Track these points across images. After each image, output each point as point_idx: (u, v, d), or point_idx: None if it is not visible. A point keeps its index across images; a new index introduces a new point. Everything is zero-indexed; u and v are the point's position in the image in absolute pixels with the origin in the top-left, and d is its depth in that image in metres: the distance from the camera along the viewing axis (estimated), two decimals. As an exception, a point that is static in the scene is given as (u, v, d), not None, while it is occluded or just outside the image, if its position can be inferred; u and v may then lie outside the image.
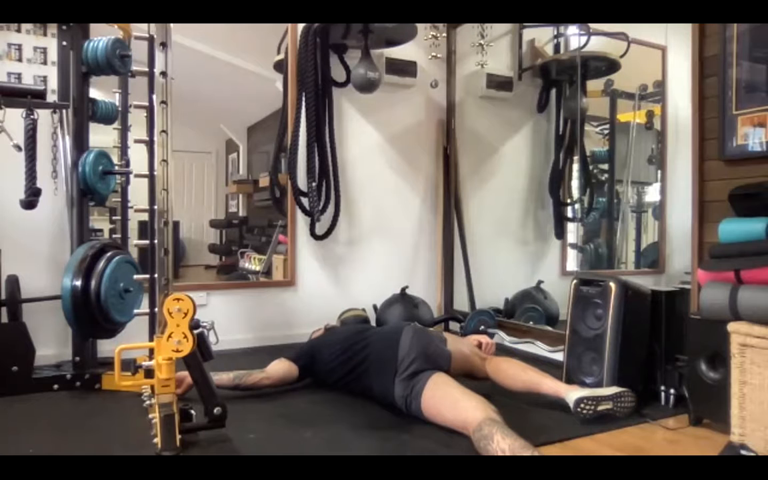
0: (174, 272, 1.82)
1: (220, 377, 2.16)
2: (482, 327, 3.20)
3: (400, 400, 1.96)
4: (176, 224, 3.55)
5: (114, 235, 2.74)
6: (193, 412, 1.80)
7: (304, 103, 3.16)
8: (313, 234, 3.30)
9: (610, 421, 1.96)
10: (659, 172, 3.84)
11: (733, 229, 1.86)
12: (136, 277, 2.01)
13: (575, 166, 3.95)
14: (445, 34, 3.67)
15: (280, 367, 2.27)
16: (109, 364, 2.29)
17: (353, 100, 3.44)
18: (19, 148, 2.24)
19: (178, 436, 1.66)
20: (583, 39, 3.69)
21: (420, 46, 3.57)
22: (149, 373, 1.74)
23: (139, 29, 1.87)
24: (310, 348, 2.37)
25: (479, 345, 2.36)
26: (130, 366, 1.81)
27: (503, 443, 1.53)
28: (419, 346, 2.03)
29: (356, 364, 2.16)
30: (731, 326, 1.75)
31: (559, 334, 2.89)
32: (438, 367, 2.00)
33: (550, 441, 1.78)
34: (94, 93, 2.51)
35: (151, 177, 1.76)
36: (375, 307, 3.33)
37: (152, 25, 1.75)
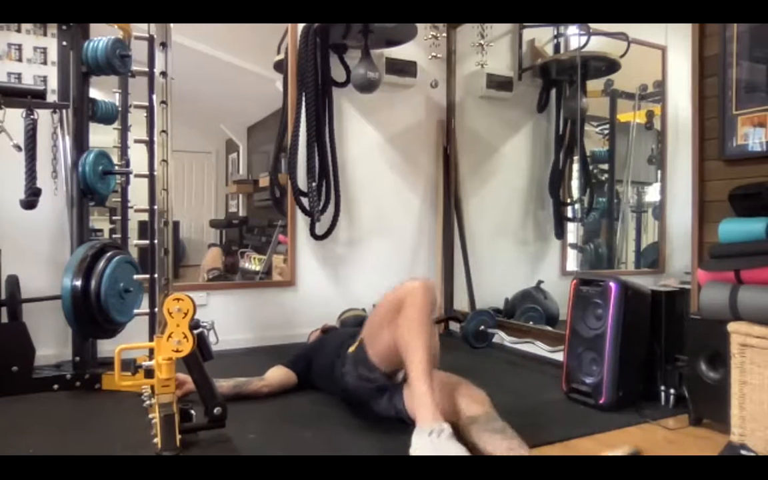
0: (174, 272, 1.82)
1: (220, 385, 2.15)
2: (482, 327, 3.20)
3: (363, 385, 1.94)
4: (176, 224, 3.55)
5: (114, 235, 2.74)
6: (193, 412, 1.80)
7: (304, 103, 3.16)
8: (313, 234, 3.30)
9: (611, 420, 1.96)
10: (659, 172, 3.83)
11: (733, 229, 1.86)
12: (136, 277, 2.01)
13: (575, 166, 3.95)
14: (445, 34, 3.67)
15: (278, 374, 2.28)
16: (109, 364, 2.29)
17: (353, 100, 3.44)
18: (19, 148, 2.24)
19: (178, 436, 1.66)
20: (583, 39, 3.69)
21: (420, 46, 3.57)
22: (149, 373, 1.74)
23: (139, 29, 1.86)
24: (305, 354, 2.37)
25: None
26: (130, 366, 1.81)
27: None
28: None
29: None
30: (731, 326, 1.75)
31: (559, 334, 2.89)
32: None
33: (550, 441, 1.78)
34: (94, 93, 2.51)
35: (151, 177, 1.76)
36: (375, 307, 3.32)
37: (152, 25, 1.75)
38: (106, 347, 2.48)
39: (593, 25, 3.59)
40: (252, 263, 3.73)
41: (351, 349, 1.97)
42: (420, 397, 1.59)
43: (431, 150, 3.75)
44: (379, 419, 1.96)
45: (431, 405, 1.56)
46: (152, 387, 1.74)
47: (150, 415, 1.72)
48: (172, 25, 1.76)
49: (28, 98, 2.24)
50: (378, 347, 1.84)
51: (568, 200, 4.02)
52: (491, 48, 3.76)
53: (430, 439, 1.49)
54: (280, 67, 3.40)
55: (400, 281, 1.83)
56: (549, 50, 4.08)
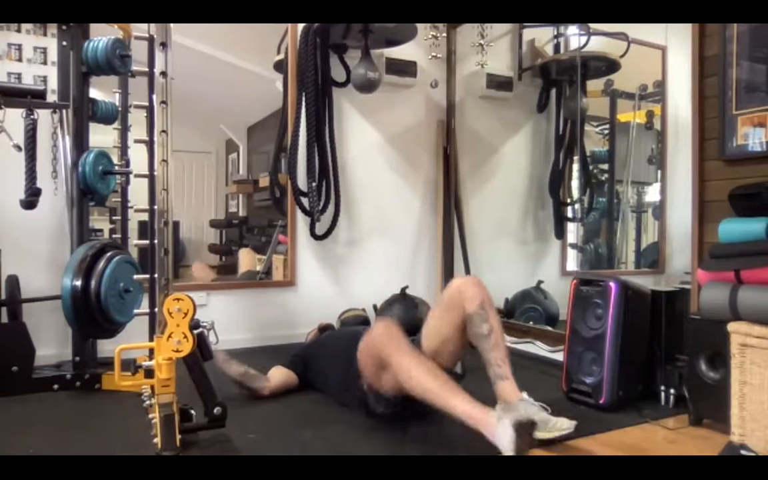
0: (174, 272, 1.82)
1: (230, 365, 2.18)
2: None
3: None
4: (176, 224, 3.55)
5: (114, 235, 2.74)
6: (193, 412, 1.80)
7: (304, 103, 3.16)
8: (313, 234, 3.30)
9: (611, 420, 1.96)
10: (659, 172, 3.84)
11: (733, 229, 1.86)
12: (136, 277, 2.00)
13: (575, 166, 3.95)
14: (445, 34, 3.67)
15: (278, 375, 2.28)
16: (109, 364, 2.29)
17: (353, 100, 3.44)
18: (19, 148, 2.24)
19: (178, 436, 1.66)
20: (583, 39, 3.69)
21: (420, 46, 3.57)
22: (149, 373, 1.74)
23: (139, 29, 1.86)
24: (302, 355, 2.37)
25: None
26: (130, 366, 1.81)
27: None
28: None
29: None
30: (731, 326, 1.75)
31: (559, 334, 2.89)
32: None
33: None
34: (94, 93, 2.51)
35: (151, 177, 1.76)
36: (375, 307, 3.33)
37: (152, 25, 1.75)
38: (106, 347, 2.48)
39: (593, 25, 3.59)
40: (252, 263, 3.73)
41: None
42: (464, 418, 1.62)
43: (431, 150, 3.75)
44: (378, 419, 1.96)
45: (473, 414, 1.60)
46: (152, 387, 1.74)
47: (150, 415, 1.71)
48: (172, 25, 1.76)
49: (28, 98, 2.24)
50: (385, 385, 1.86)
51: (568, 200, 4.02)
52: (491, 48, 3.76)
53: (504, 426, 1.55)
54: (280, 67, 3.40)
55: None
56: (549, 50, 4.08)
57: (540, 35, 4.02)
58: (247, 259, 3.73)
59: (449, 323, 1.90)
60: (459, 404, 1.62)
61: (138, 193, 2.54)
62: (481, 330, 1.84)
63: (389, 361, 1.75)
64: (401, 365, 1.72)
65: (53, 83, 2.52)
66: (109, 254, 2.26)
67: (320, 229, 3.31)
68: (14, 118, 2.24)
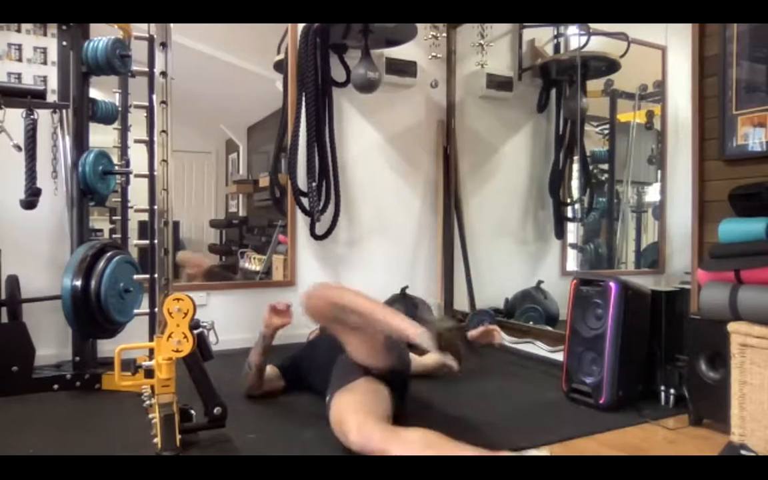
0: (174, 272, 1.82)
1: (258, 349, 2.21)
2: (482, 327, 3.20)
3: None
4: (176, 224, 3.54)
5: (114, 235, 2.74)
6: (193, 412, 1.80)
7: (304, 103, 3.16)
8: (313, 234, 3.30)
9: (611, 420, 1.96)
10: (659, 172, 3.83)
11: (733, 229, 1.87)
12: (136, 277, 2.01)
13: (575, 166, 3.95)
14: (445, 34, 3.67)
15: (268, 376, 2.28)
16: (109, 364, 2.29)
17: (353, 100, 3.44)
18: (19, 148, 2.24)
19: (178, 436, 1.66)
20: (583, 39, 3.69)
21: (420, 46, 3.57)
22: (149, 373, 1.74)
23: (139, 29, 1.86)
24: (297, 362, 2.36)
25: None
26: (130, 366, 1.81)
27: None
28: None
29: None
30: (731, 326, 1.75)
31: (559, 334, 2.89)
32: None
33: (549, 441, 1.78)
34: (94, 93, 2.51)
35: (151, 177, 1.76)
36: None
37: (152, 25, 1.75)
38: (106, 347, 2.48)
39: (593, 25, 3.58)
40: (252, 263, 3.73)
41: None
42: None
43: (431, 150, 3.75)
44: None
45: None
46: (152, 387, 1.74)
47: (150, 415, 1.71)
48: (172, 25, 1.76)
49: (28, 98, 2.24)
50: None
51: (568, 200, 4.02)
52: (491, 48, 3.76)
53: None
54: (280, 67, 3.40)
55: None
56: (549, 50, 4.08)
57: (540, 35, 4.02)
58: (194, 261, 3.72)
59: (340, 334, 1.84)
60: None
61: (138, 193, 2.54)
62: (354, 324, 1.74)
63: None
64: (389, 451, 1.56)
65: (53, 83, 2.52)
66: (109, 254, 2.26)
67: (320, 229, 3.31)
68: (14, 118, 2.24)
